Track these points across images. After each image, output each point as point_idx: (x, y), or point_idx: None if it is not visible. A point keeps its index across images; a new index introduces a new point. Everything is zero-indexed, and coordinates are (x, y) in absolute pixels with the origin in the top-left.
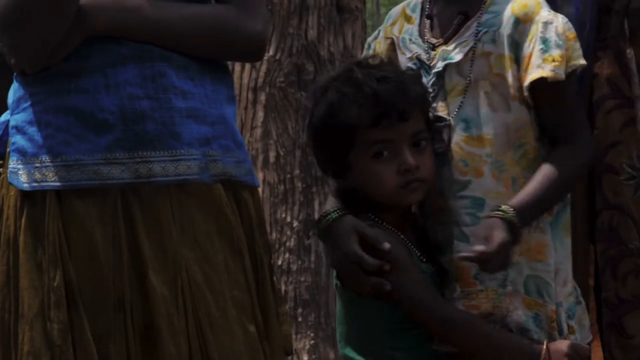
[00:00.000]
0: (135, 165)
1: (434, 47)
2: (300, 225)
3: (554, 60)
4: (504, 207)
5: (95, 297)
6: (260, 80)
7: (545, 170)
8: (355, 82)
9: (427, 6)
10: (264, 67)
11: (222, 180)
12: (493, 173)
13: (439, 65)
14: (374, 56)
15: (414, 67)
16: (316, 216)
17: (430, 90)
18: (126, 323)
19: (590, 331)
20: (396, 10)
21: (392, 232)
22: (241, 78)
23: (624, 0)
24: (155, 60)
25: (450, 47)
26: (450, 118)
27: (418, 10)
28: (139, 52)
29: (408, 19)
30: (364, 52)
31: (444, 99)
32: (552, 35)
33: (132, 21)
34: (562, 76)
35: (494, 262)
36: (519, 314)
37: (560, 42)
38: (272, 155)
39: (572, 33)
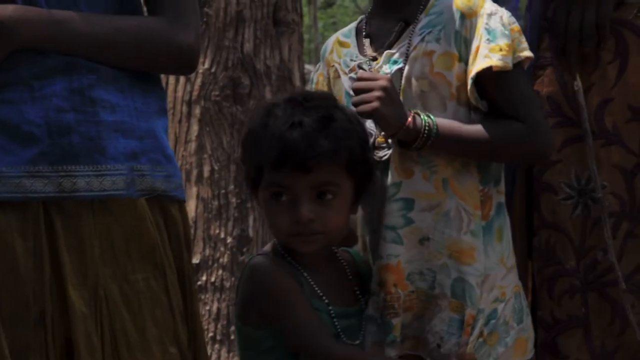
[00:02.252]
0: (59, 179)
1: (374, 59)
2: (234, 241)
3: (500, 50)
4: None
5: (15, 311)
6: (195, 93)
7: (483, 123)
8: (275, 119)
9: (364, 27)
10: (198, 81)
11: (149, 195)
12: (424, 174)
13: (385, 69)
14: (320, 92)
15: (354, 76)
16: (250, 232)
17: None
18: (47, 338)
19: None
20: (330, 40)
21: (283, 273)
22: (175, 91)
23: (566, 22)
24: (84, 72)
25: (394, 50)
26: None
27: (352, 34)
28: (66, 65)
29: (343, 44)
30: (308, 85)
31: None
32: (497, 26)
33: (60, 34)
34: (510, 65)
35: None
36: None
37: (506, 32)
38: (206, 169)
39: (516, 26)
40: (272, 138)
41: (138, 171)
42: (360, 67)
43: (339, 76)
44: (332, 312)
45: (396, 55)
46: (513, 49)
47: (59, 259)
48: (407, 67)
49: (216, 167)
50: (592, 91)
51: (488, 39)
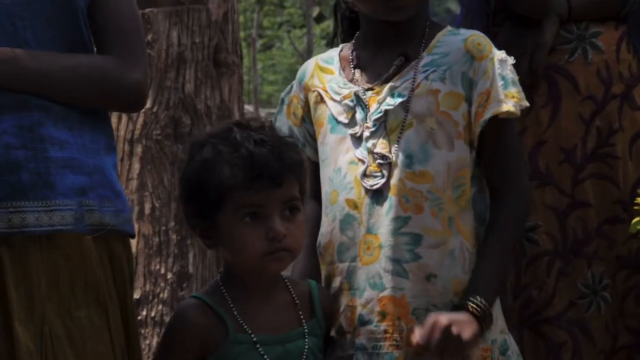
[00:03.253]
0: (9, 215)
1: (369, 89)
2: (175, 277)
3: (513, 97)
4: (473, 303)
5: None
6: (137, 132)
7: (496, 241)
8: (233, 142)
9: (351, 57)
10: (140, 120)
11: (98, 230)
12: (432, 210)
13: (389, 101)
14: (255, 118)
15: (350, 104)
16: (190, 269)
17: (371, 126)
18: None
19: None
20: (309, 65)
21: (205, 309)
22: (117, 130)
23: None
24: (34, 110)
25: (397, 83)
26: (392, 155)
27: (335, 61)
28: (16, 102)
29: (325, 70)
30: (278, 108)
31: (385, 136)
32: (508, 73)
33: (9, 72)
34: (519, 113)
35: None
36: None
37: (515, 80)
38: (147, 207)
39: (516, 74)
40: (241, 158)
41: (87, 206)
42: (357, 95)
43: (322, 101)
44: (256, 342)
45: (399, 89)
46: (520, 96)
47: (7, 295)
48: (412, 103)
49: (157, 205)
50: (526, 134)
51: (502, 85)
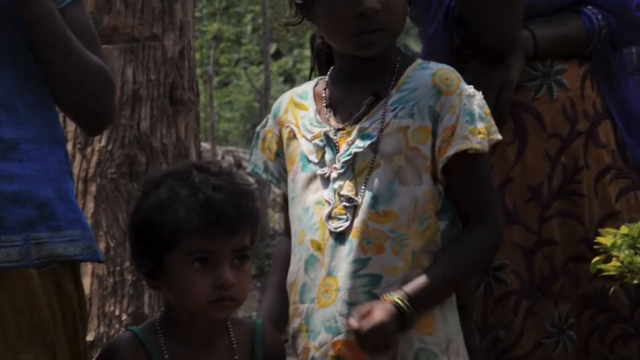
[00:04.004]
0: None
1: (340, 129)
2: (130, 318)
3: (480, 133)
4: (396, 296)
5: None
6: (91, 170)
7: (447, 260)
8: (191, 185)
9: (324, 94)
10: (95, 158)
11: (48, 264)
12: (394, 249)
13: (359, 143)
14: (213, 162)
15: (320, 143)
16: (146, 309)
17: (339, 168)
18: None
19: None
20: (284, 99)
21: (137, 345)
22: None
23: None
24: None
25: (366, 124)
26: (358, 198)
27: (309, 97)
28: None
29: (299, 106)
30: (254, 142)
31: (352, 178)
32: (475, 108)
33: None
34: (487, 148)
35: (370, 341)
36: None
37: (483, 115)
38: (101, 246)
39: (487, 108)
40: (198, 202)
41: (35, 240)
42: (327, 135)
43: (295, 138)
44: None
45: (369, 130)
46: (488, 132)
47: None
48: (381, 144)
49: (112, 244)
50: (493, 171)
51: (467, 121)
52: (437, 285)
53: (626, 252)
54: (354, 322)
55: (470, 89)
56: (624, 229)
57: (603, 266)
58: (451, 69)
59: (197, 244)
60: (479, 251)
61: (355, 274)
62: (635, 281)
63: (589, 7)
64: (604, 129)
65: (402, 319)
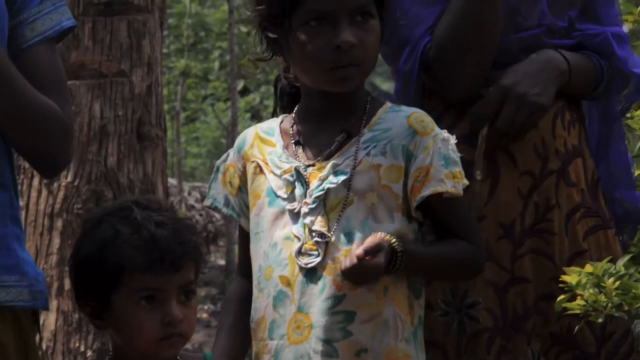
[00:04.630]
0: None
1: (310, 165)
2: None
3: (454, 177)
4: (399, 248)
5: None
6: (57, 206)
7: (439, 245)
8: (133, 222)
9: (291, 131)
10: (61, 194)
11: None
12: (368, 285)
13: (332, 179)
14: (152, 198)
15: (290, 179)
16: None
17: (311, 203)
18: None
19: None
20: (249, 133)
21: None
22: (37, 204)
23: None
24: None
25: (339, 160)
26: (330, 234)
27: (276, 133)
28: None
29: (265, 142)
30: (212, 175)
31: (324, 214)
32: (450, 152)
33: None
34: (461, 192)
35: (360, 276)
36: None
37: (457, 160)
38: (67, 283)
39: (458, 153)
40: (142, 240)
41: None
42: (297, 170)
43: (262, 173)
44: None
45: (342, 166)
46: (462, 176)
47: None
48: (354, 180)
49: None
50: None
51: (442, 164)
52: (430, 258)
53: (590, 290)
54: (359, 251)
55: (444, 133)
56: (588, 268)
57: (568, 305)
58: (425, 113)
59: (142, 281)
60: (465, 257)
61: (330, 311)
62: (600, 320)
63: (590, 52)
64: (574, 168)
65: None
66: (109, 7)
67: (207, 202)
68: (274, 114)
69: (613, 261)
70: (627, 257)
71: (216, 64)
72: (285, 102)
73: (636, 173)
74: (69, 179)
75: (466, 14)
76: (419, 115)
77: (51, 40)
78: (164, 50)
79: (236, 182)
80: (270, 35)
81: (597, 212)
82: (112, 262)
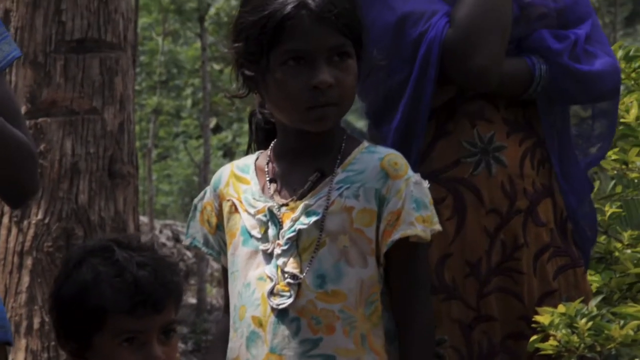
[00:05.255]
0: None
1: (284, 205)
2: None
3: (424, 221)
4: None
5: None
6: (27, 244)
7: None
8: (115, 264)
9: (267, 169)
10: (31, 231)
11: None
12: (344, 329)
13: (304, 220)
14: (131, 236)
15: (263, 218)
16: None
17: (283, 245)
18: None
19: None
20: (225, 171)
21: None
22: (7, 242)
23: None
24: None
25: (311, 201)
26: (303, 275)
27: (251, 171)
28: None
29: (240, 180)
30: (191, 214)
31: (297, 255)
32: (422, 196)
33: None
34: (429, 237)
35: None
36: None
37: (428, 204)
38: (36, 321)
39: (430, 198)
40: (124, 282)
41: None
42: (270, 211)
43: (237, 211)
44: None
45: (314, 207)
46: (432, 221)
47: None
48: (326, 222)
49: (47, 319)
50: (432, 246)
51: (414, 207)
52: None
53: (563, 331)
54: None
55: (417, 176)
56: (561, 308)
57: (541, 345)
58: (400, 154)
59: (125, 324)
60: (426, 342)
61: (306, 355)
62: None
63: (534, 56)
64: (543, 208)
65: None
66: (81, 45)
67: (187, 242)
68: (248, 150)
69: (584, 301)
70: (599, 298)
71: (188, 102)
72: (260, 137)
73: (608, 212)
74: (40, 216)
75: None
76: (393, 158)
77: (3, 71)
78: (136, 88)
79: (214, 220)
80: (247, 72)
81: (566, 252)
82: (94, 304)
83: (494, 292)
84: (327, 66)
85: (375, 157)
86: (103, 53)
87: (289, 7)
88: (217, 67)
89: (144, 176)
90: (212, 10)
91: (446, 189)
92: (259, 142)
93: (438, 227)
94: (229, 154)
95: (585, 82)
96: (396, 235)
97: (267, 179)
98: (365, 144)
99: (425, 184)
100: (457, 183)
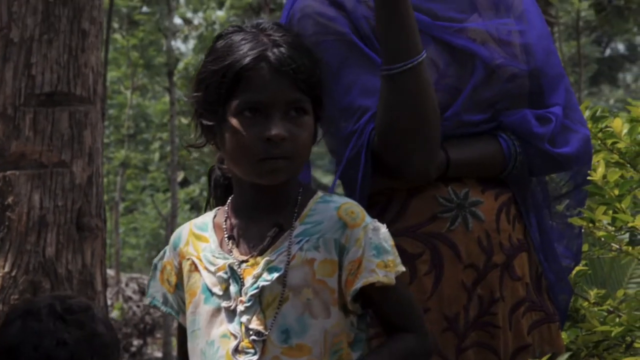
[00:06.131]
0: None
1: (244, 261)
2: None
3: (386, 266)
4: None
5: None
6: None
7: (380, 354)
8: (37, 334)
9: (224, 225)
10: None
11: None
12: None
13: (266, 276)
14: (72, 302)
15: (224, 276)
16: None
17: (246, 302)
18: None
19: None
20: (184, 230)
21: None
22: None
23: None
24: None
25: (272, 256)
26: (267, 331)
27: (209, 228)
28: None
29: (199, 238)
30: (151, 273)
31: (260, 312)
32: (381, 241)
33: None
34: (394, 281)
35: None
36: None
37: (389, 249)
38: None
39: (392, 240)
40: (35, 356)
41: None
42: (231, 267)
43: (196, 270)
44: None
45: (275, 262)
46: (394, 264)
47: None
48: (288, 276)
49: None
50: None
51: (374, 254)
52: None
53: None
54: None
55: (374, 222)
56: None
57: None
58: (355, 202)
59: None
60: (408, 354)
61: None
62: None
63: (507, 133)
64: (519, 262)
65: None
66: (50, 98)
67: (147, 301)
68: (207, 206)
69: (556, 356)
70: (566, 355)
71: (156, 155)
72: (219, 193)
73: (575, 270)
74: (6, 269)
75: (394, 103)
76: (349, 207)
77: None
78: (104, 141)
79: (173, 279)
80: (205, 122)
81: (541, 307)
82: None
83: (472, 347)
84: (282, 120)
85: (331, 206)
86: (72, 106)
87: (248, 59)
88: (185, 121)
89: (111, 229)
90: (180, 65)
91: (423, 244)
92: (217, 198)
93: (401, 268)
94: (196, 208)
95: (562, 163)
96: (358, 284)
97: (226, 235)
98: (320, 193)
99: (384, 228)
100: (434, 238)
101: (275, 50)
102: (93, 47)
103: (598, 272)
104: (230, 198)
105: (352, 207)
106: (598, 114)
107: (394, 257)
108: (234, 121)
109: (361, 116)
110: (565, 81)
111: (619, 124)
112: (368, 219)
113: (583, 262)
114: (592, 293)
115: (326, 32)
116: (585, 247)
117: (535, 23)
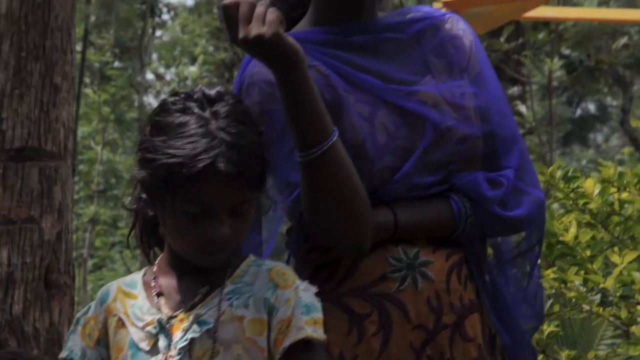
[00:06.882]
0: None
1: (173, 317)
2: None
3: (315, 323)
4: None
5: None
6: None
7: None
8: None
9: (153, 283)
10: None
11: None
12: None
13: (195, 329)
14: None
15: (152, 331)
16: None
17: (176, 355)
18: None
19: None
20: (112, 287)
21: None
22: None
23: None
24: None
25: (202, 310)
26: None
27: (138, 286)
28: None
29: (128, 295)
30: (72, 327)
31: None
32: (311, 300)
33: None
34: (322, 337)
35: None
36: None
37: (318, 307)
38: None
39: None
40: None
41: None
42: (160, 322)
43: (123, 326)
44: None
45: (205, 316)
46: (322, 321)
47: None
48: (219, 331)
49: None
50: None
51: (303, 312)
52: None
53: None
54: None
55: (305, 284)
56: None
57: None
58: (287, 266)
59: None
60: None
61: None
62: None
63: (459, 195)
64: (471, 323)
65: None
66: (20, 153)
67: (63, 354)
68: (142, 243)
69: None
70: None
71: (126, 211)
72: (148, 229)
73: (546, 331)
74: None
75: (312, 188)
76: (281, 269)
77: None
78: (74, 197)
79: (95, 334)
80: (147, 199)
81: None
82: None
83: None
84: (228, 218)
85: (263, 269)
86: (42, 162)
87: (200, 165)
88: None
89: (79, 286)
90: None
91: (372, 304)
92: (148, 234)
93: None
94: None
95: (513, 225)
96: (287, 342)
97: (154, 293)
98: (252, 257)
99: (314, 289)
100: (383, 298)
101: (228, 154)
102: (65, 102)
103: (569, 333)
104: (159, 257)
105: (284, 270)
106: (570, 174)
107: (322, 314)
108: (179, 212)
109: (291, 192)
110: (520, 143)
111: (591, 185)
112: (299, 281)
113: (554, 322)
114: (564, 354)
115: (272, 100)
116: (556, 308)
117: (490, 85)
